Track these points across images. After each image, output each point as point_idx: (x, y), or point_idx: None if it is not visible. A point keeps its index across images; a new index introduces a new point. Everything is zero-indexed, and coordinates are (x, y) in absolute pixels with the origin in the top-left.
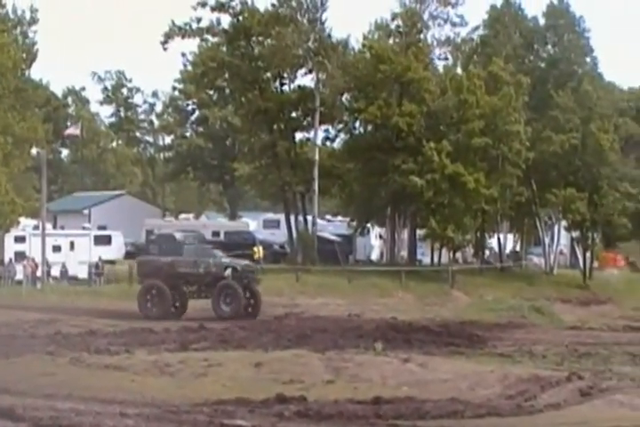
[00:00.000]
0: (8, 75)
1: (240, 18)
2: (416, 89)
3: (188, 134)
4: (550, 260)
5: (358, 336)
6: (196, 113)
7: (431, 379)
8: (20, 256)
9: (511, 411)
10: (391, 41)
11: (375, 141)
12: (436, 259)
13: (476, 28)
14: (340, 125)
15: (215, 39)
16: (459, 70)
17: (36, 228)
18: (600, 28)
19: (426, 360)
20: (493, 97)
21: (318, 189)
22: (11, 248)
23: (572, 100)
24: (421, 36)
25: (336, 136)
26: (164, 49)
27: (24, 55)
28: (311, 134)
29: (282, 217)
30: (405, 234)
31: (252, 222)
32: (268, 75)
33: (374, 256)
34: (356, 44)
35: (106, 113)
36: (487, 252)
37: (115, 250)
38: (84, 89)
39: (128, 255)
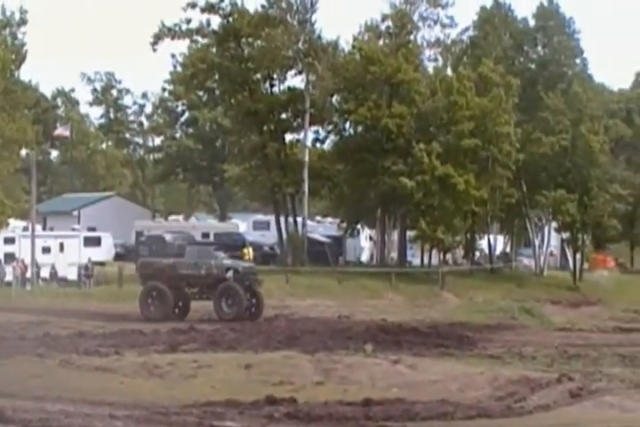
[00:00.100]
0: None
1: (230, 19)
2: (406, 90)
3: (177, 136)
4: (540, 261)
5: (348, 338)
6: (186, 114)
7: (421, 380)
8: (9, 258)
9: (501, 412)
10: (381, 42)
11: (365, 143)
12: (426, 260)
13: (466, 29)
14: (330, 127)
15: (205, 40)
16: (449, 72)
17: (25, 229)
18: (590, 30)
19: (416, 362)
20: (483, 98)
21: (308, 190)
22: (0, 250)
23: (562, 101)
24: (411, 37)
25: (326, 137)
26: (154, 50)
27: (13, 56)
28: (301, 136)
29: (272, 218)
30: (395, 235)
31: (241, 224)
32: (258, 76)
33: (364, 258)
34: (345, 45)
35: (95, 114)
36: (477, 253)
37: (104, 251)
38: (73, 90)
39: (118, 257)
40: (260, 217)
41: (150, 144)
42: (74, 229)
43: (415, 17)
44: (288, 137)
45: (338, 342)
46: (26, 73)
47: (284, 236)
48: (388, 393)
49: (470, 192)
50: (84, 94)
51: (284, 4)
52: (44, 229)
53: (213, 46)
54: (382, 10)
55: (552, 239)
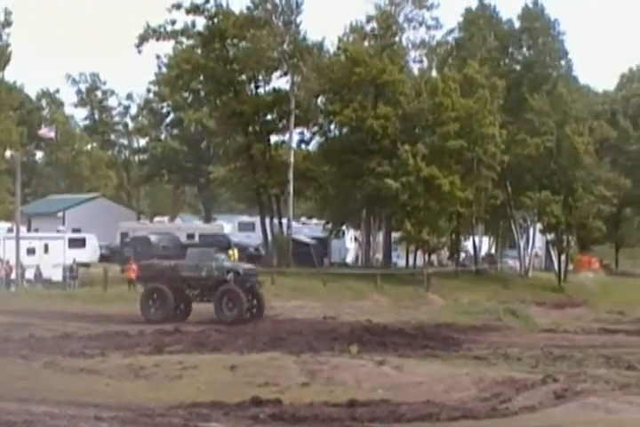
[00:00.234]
0: None
1: (215, 20)
2: (391, 92)
3: (162, 137)
4: (525, 262)
5: (333, 339)
6: (171, 115)
7: (406, 382)
8: None
9: (486, 413)
10: (366, 44)
11: (350, 144)
12: (411, 262)
13: (451, 30)
14: (315, 128)
15: (190, 41)
16: (434, 73)
17: (10, 231)
18: (575, 32)
19: (401, 363)
20: (468, 100)
21: (293, 191)
22: None
23: (547, 103)
24: (396, 38)
25: (311, 139)
26: (139, 51)
27: None
28: (286, 137)
29: (257, 220)
30: (380, 237)
31: (226, 225)
32: (243, 77)
33: (349, 259)
34: (331, 46)
35: (80, 115)
36: (462, 254)
37: (89, 253)
38: (58, 91)
39: (103, 258)
40: (245, 218)
41: (135, 145)
42: (59, 231)
43: (400, 18)
44: (273, 138)
45: (323, 343)
46: (10, 74)
47: (270, 237)
48: (373, 394)
49: (455, 193)
50: (68, 95)
51: (269, 6)
52: (28, 230)
53: (198, 47)
54: (367, 11)
55: (537, 241)
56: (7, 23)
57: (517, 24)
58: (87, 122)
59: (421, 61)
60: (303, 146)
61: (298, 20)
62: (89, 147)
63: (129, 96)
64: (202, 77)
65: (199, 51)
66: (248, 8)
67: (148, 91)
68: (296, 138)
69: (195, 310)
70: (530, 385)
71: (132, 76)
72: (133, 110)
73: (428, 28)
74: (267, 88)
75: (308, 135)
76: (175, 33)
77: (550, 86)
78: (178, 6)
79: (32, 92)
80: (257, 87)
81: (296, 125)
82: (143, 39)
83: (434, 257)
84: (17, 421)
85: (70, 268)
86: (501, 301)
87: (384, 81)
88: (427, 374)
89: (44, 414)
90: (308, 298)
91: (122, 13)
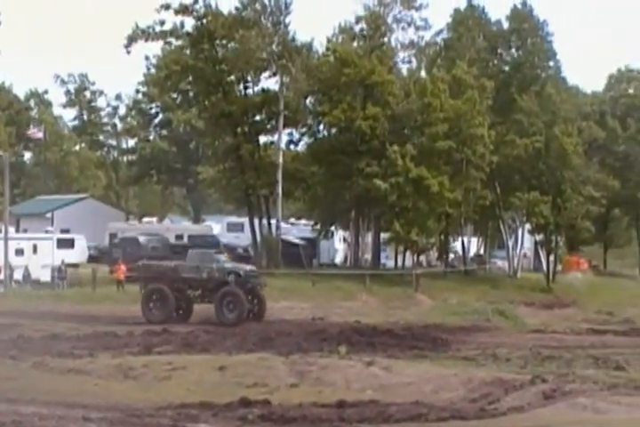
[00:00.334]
0: None
1: (204, 21)
2: (380, 92)
3: (151, 138)
4: (514, 263)
5: (322, 340)
6: (160, 116)
7: (395, 382)
8: None
9: (475, 414)
10: (355, 44)
11: (339, 145)
12: (399, 262)
13: (440, 31)
14: (304, 129)
15: (179, 42)
16: (423, 74)
17: None
18: (564, 33)
19: (390, 364)
20: (457, 100)
21: (282, 192)
22: None
23: (536, 103)
24: (385, 39)
25: (300, 139)
26: (128, 52)
27: None
28: (275, 137)
29: (246, 220)
30: (369, 237)
31: (215, 226)
32: (232, 78)
33: (338, 260)
34: (320, 47)
35: (69, 116)
36: (451, 255)
37: (78, 253)
38: (46, 92)
39: (91, 259)
40: (233, 219)
41: (124, 146)
42: (47, 232)
43: (389, 19)
44: (262, 139)
45: (312, 343)
46: None
47: (258, 238)
48: (362, 395)
49: (444, 194)
50: (57, 96)
51: (257, 6)
52: (17, 231)
53: (187, 48)
54: (356, 12)
55: (526, 241)
56: None
57: (506, 25)
58: (76, 122)
59: (410, 62)
60: (292, 146)
61: (287, 20)
62: (77, 147)
63: (118, 97)
64: (191, 78)
65: (188, 51)
66: (237, 9)
67: (137, 91)
68: (285, 138)
69: (195, 311)
70: (518, 386)
71: (121, 77)
72: (122, 111)
73: (417, 28)
74: (256, 89)
75: (296, 136)
76: (164, 33)
77: (539, 87)
78: (167, 7)
79: (20, 92)
80: (246, 88)
81: (285, 126)
82: (132, 40)
83: (423, 258)
84: (5, 421)
85: (59, 268)
86: (490, 301)
87: (373, 82)
88: (415, 375)
89: (33, 414)
90: (297, 299)
91: (111, 14)
